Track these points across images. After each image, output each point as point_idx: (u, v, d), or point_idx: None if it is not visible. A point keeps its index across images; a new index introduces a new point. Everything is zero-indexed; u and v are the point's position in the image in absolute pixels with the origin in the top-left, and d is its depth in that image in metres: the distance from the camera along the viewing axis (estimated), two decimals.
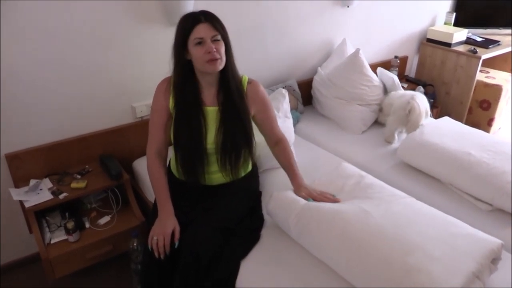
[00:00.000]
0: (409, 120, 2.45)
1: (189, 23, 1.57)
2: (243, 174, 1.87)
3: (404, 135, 2.55)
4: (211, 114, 1.72)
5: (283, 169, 1.90)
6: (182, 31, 1.59)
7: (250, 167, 1.92)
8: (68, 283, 2.20)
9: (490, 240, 1.51)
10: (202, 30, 1.56)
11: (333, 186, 1.85)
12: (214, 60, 1.58)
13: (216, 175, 1.79)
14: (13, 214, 2.16)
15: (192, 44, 1.58)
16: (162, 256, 1.57)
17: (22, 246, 2.28)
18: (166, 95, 1.74)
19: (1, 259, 2.25)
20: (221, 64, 1.62)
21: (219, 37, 1.59)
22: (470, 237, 1.52)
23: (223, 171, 1.77)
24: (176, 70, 1.67)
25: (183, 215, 1.69)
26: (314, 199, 1.74)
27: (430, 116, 2.61)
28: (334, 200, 1.75)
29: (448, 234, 1.52)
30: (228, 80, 1.69)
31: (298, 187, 1.80)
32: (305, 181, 1.84)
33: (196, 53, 1.58)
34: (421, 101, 2.47)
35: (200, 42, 1.57)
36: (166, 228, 1.60)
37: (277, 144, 1.89)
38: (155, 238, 1.58)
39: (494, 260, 1.49)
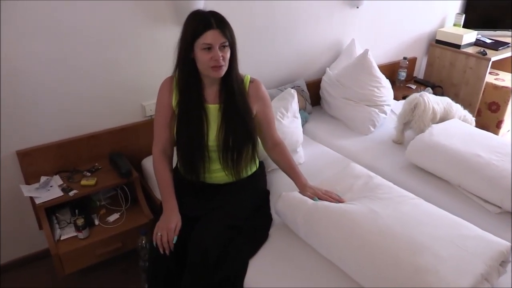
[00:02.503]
0: (413, 115, 2.45)
1: (200, 27, 1.56)
2: (248, 173, 1.87)
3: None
4: (213, 111, 1.73)
5: (284, 171, 1.91)
6: (191, 32, 1.59)
7: (256, 167, 1.93)
8: (77, 279, 2.22)
9: (499, 242, 1.50)
10: (212, 37, 1.56)
11: (341, 185, 1.86)
12: (218, 67, 1.61)
13: (218, 174, 1.80)
14: (23, 210, 2.18)
15: (199, 48, 1.58)
16: (167, 252, 1.58)
17: (31, 242, 2.30)
18: (169, 94, 1.76)
19: (10, 255, 2.27)
20: (224, 70, 1.64)
21: (226, 43, 1.60)
22: (479, 239, 1.52)
23: (225, 169, 1.78)
24: (179, 67, 1.69)
25: (191, 214, 1.70)
26: (320, 198, 1.75)
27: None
28: (339, 200, 1.76)
29: (457, 235, 1.52)
30: (231, 81, 1.70)
31: (303, 187, 1.81)
32: (308, 181, 1.84)
33: (202, 58, 1.59)
34: (429, 99, 2.47)
35: (208, 48, 1.58)
36: (169, 223, 1.62)
37: (275, 147, 1.89)
38: (159, 234, 1.60)
39: (502, 262, 1.48)
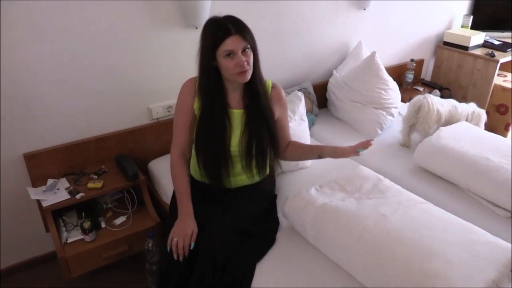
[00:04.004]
0: (418, 117, 2.44)
1: (219, 35, 1.55)
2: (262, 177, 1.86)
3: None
4: (236, 116, 1.72)
5: (305, 154, 1.91)
6: (211, 41, 1.57)
7: (268, 171, 1.91)
8: (83, 281, 2.22)
9: (511, 248, 1.48)
10: (233, 43, 1.55)
11: (351, 185, 1.85)
12: (244, 72, 1.59)
13: (240, 177, 1.80)
14: (29, 213, 2.19)
15: (222, 56, 1.57)
16: (181, 258, 1.57)
17: (38, 245, 2.31)
18: (191, 96, 1.74)
19: (17, 258, 2.28)
20: (249, 74, 1.63)
21: (248, 47, 1.59)
22: (490, 244, 1.50)
23: (248, 173, 1.77)
24: (201, 74, 1.67)
25: (200, 217, 1.69)
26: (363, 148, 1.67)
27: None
28: (368, 143, 1.68)
29: (468, 240, 1.50)
30: (256, 85, 1.69)
31: (336, 151, 1.75)
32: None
33: (225, 65, 1.58)
34: (432, 100, 2.45)
35: (230, 54, 1.57)
36: (186, 229, 1.60)
37: (287, 146, 1.88)
38: (174, 239, 1.58)
39: None
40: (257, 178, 1.81)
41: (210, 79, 1.66)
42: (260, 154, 1.73)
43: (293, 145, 1.89)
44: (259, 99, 1.71)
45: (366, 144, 1.68)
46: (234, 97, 1.73)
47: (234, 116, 1.72)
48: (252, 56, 1.62)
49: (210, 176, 1.76)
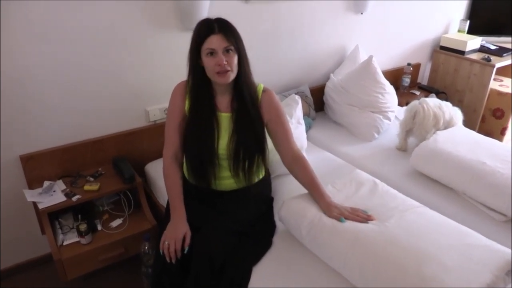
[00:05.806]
0: (414, 123, 2.45)
1: (202, 32, 1.57)
2: (256, 180, 1.85)
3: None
4: (224, 120, 1.72)
5: (305, 188, 1.78)
6: (196, 39, 1.60)
7: (263, 174, 1.91)
8: (80, 283, 2.22)
9: (506, 252, 1.49)
10: (214, 41, 1.56)
11: (347, 189, 1.85)
12: (224, 73, 1.59)
13: (228, 181, 1.79)
14: (25, 215, 2.18)
15: (204, 54, 1.58)
16: (173, 261, 1.57)
17: (34, 247, 2.30)
18: (182, 98, 1.74)
19: (13, 260, 2.27)
20: (230, 77, 1.62)
21: (231, 47, 1.58)
22: (486, 248, 1.50)
23: (235, 177, 1.76)
24: (191, 75, 1.68)
25: (196, 220, 1.69)
26: (346, 218, 1.63)
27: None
28: (367, 218, 1.64)
29: (463, 244, 1.51)
30: (242, 89, 1.68)
31: (328, 207, 1.67)
32: (332, 199, 1.72)
33: (207, 64, 1.59)
34: (428, 105, 2.45)
35: (212, 53, 1.57)
36: (177, 233, 1.60)
37: (295, 161, 1.78)
38: (166, 242, 1.58)
39: (508, 272, 1.47)
40: (244, 184, 1.78)
41: (196, 79, 1.67)
42: (247, 159, 1.72)
43: (301, 168, 1.77)
44: (246, 104, 1.69)
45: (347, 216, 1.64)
46: (223, 100, 1.73)
47: (222, 119, 1.72)
48: (235, 58, 1.61)
49: (196, 177, 1.76)
